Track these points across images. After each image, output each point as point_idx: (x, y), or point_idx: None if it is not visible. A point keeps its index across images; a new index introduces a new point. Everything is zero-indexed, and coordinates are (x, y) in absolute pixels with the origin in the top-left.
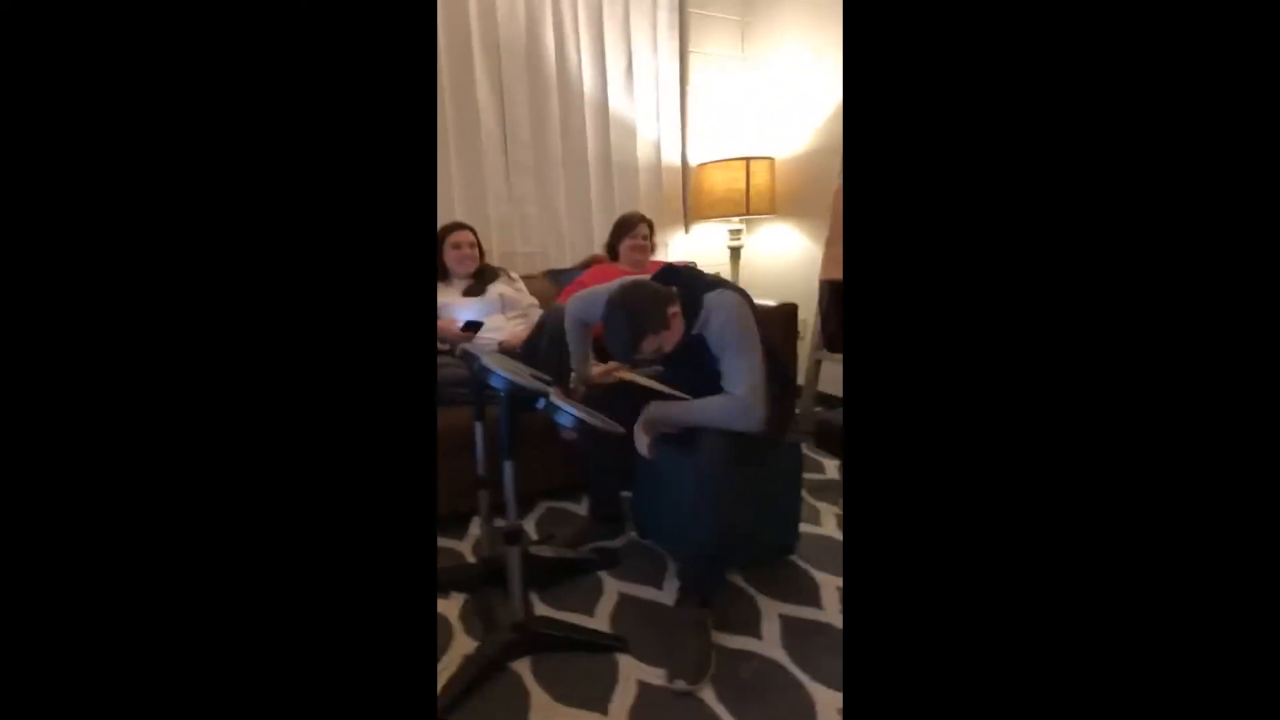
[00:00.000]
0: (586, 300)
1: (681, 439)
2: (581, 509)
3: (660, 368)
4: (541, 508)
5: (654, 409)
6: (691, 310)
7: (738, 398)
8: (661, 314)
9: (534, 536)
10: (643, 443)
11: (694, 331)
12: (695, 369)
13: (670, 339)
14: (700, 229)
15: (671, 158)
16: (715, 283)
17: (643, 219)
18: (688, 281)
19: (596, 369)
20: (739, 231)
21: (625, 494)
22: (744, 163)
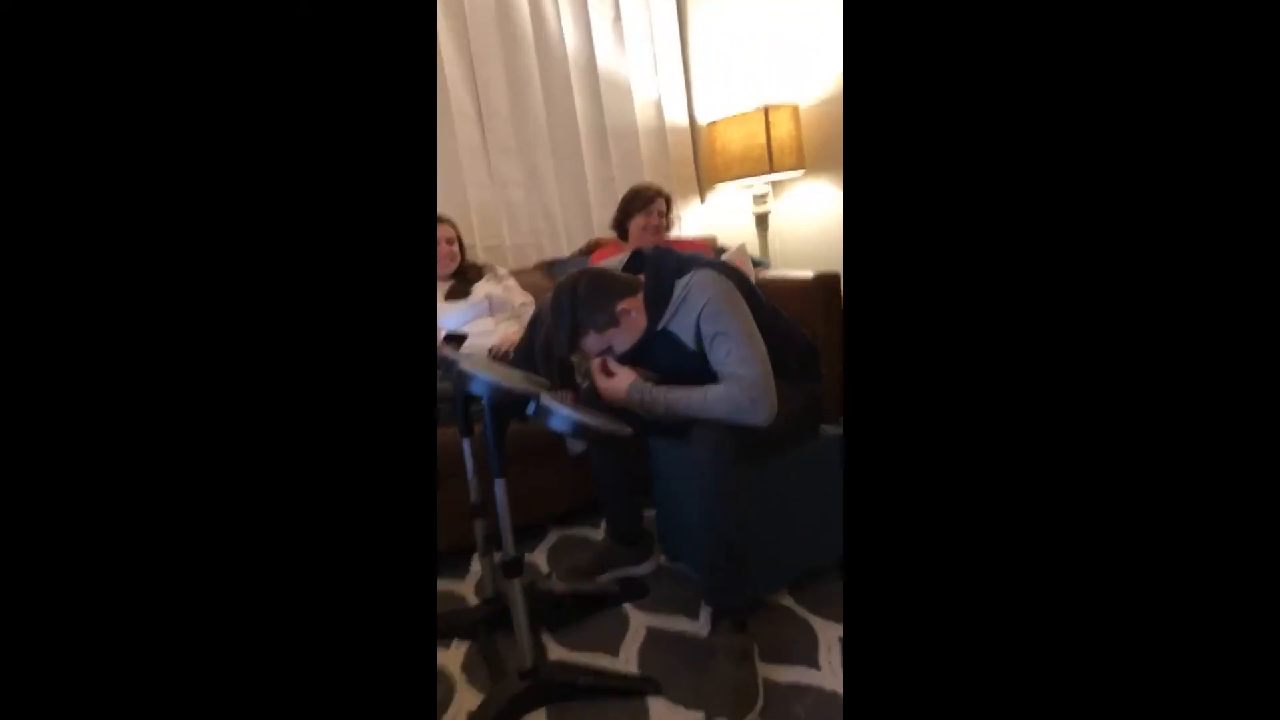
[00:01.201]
0: None
1: (684, 434)
2: (599, 534)
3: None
4: (553, 536)
5: (643, 387)
6: (658, 301)
7: (743, 386)
8: (607, 310)
9: (545, 569)
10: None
11: (661, 326)
12: (664, 370)
13: (624, 337)
14: (718, 196)
15: (676, 117)
16: (689, 262)
17: (660, 192)
18: (655, 268)
19: (595, 361)
20: (764, 195)
21: (649, 513)
22: (762, 113)
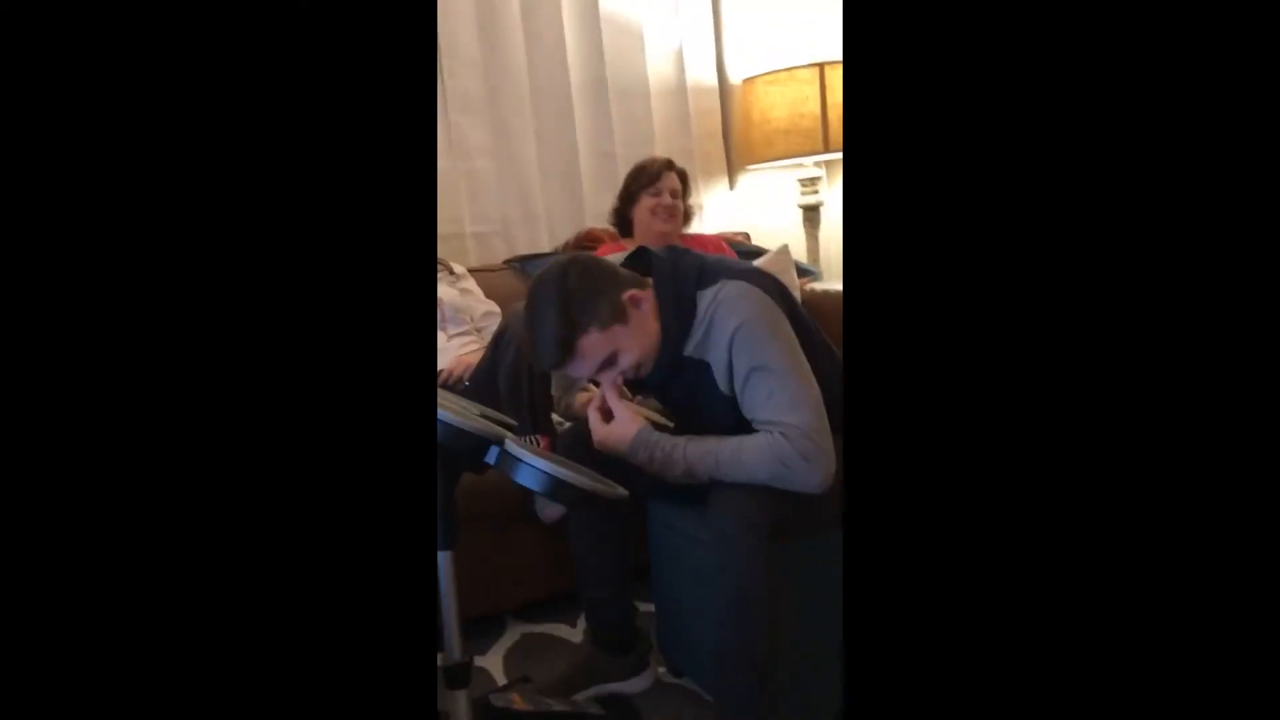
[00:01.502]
0: None
1: (700, 499)
2: (577, 634)
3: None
4: (514, 634)
5: (654, 438)
6: (681, 317)
7: (792, 437)
8: (611, 297)
9: (502, 679)
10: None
11: (688, 352)
12: (680, 414)
13: (634, 339)
14: (753, 179)
15: (701, 73)
16: (714, 270)
17: (670, 166)
18: (670, 272)
19: (582, 396)
20: (815, 180)
21: (646, 607)
22: (815, 71)
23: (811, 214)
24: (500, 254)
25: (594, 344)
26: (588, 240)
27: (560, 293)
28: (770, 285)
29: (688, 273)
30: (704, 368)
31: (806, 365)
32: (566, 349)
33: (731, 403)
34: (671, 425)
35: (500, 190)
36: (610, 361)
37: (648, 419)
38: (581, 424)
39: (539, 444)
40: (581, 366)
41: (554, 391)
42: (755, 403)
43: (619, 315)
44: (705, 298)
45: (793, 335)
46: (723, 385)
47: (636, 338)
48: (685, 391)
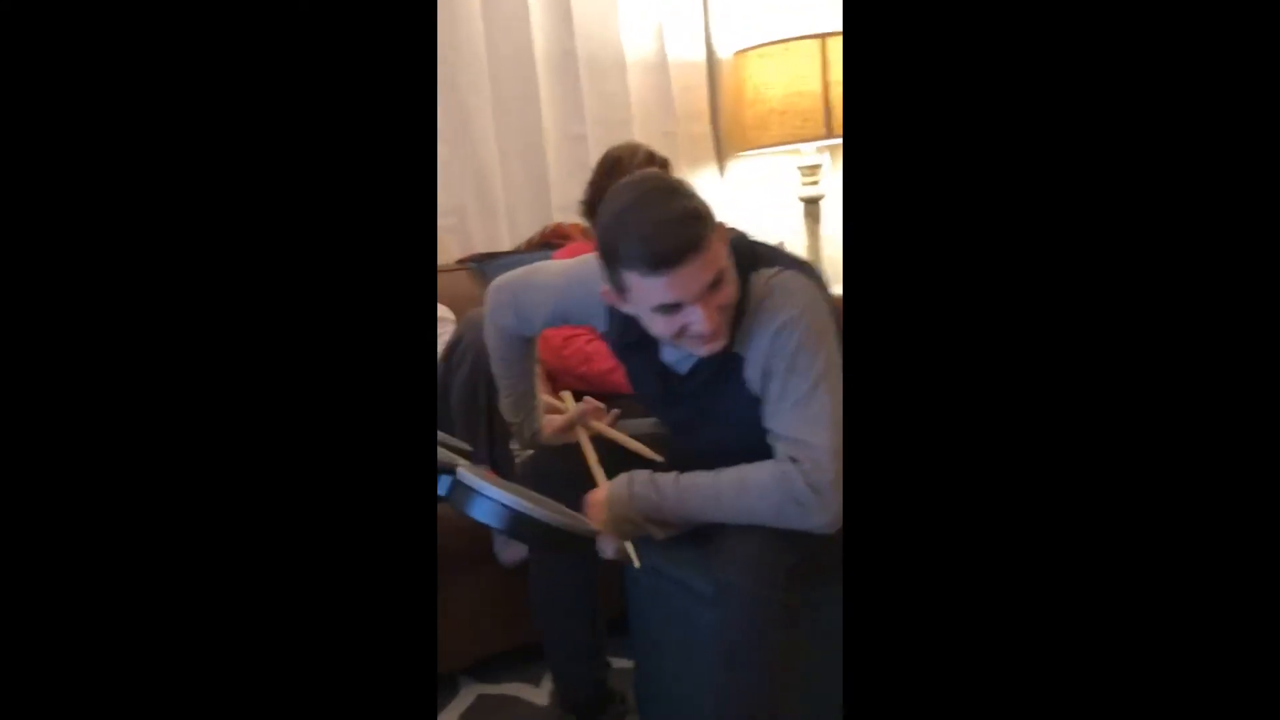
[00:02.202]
0: (519, 288)
1: (698, 543)
2: (543, 695)
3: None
4: (470, 694)
5: (639, 481)
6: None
7: (804, 464)
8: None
9: None
10: (607, 543)
11: (733, 348)
12: (719, 418)
13: (734, 276)
14: (745, 167)
15: (686, 49)
16: (771, 255)
17: (652, 155)
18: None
19: (551, 420)
20: (816, 168)
21: (621, 663)
22: (816, 44)
23: (813, 207)
24: (454, 252)
25: (719, 249)
26: (555, 237)
27: (678, 186)
28: (820, 282)
29: (743, 249)
30: (738, 361)
31: (840, 383)
32: (696, 238)
33: (757, 404)
34: (659, 459)
35: (454, 178)
36: (719, 281)
37: (631, 448)
38: (547, 451)
39: (486, 473)
40: (701, 270)
41: (510, 416)
42: (780, 409)
43: (722, 234)
44: (758, 279)
45: (836, 346)
46: (754, 383)
47: (730, 283)
48: (718, 389)
